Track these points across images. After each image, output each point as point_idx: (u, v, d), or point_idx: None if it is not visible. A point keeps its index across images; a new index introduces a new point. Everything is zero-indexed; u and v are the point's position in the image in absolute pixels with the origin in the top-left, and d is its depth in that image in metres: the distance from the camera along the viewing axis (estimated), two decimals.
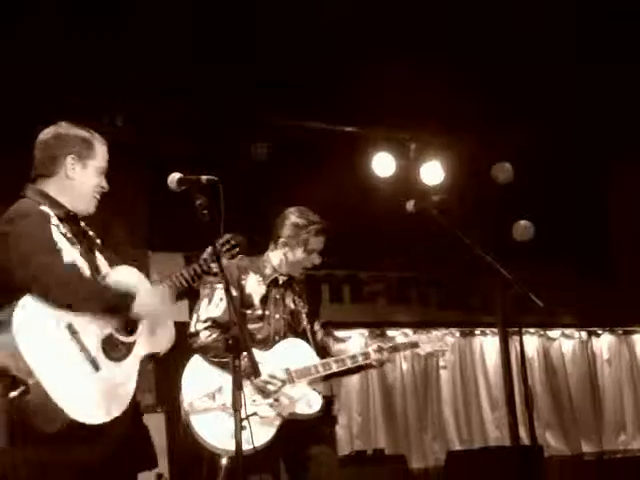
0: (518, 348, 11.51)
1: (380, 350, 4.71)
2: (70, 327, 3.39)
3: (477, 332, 11.78)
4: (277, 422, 4.37)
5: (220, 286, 4.39)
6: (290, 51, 6.97)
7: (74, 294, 3.41)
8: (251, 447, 3.60)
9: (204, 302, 4.52)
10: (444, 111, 7.84)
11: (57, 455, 3.36)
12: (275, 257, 4.75)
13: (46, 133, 3.73)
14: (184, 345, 4.36)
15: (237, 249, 4.07)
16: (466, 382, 11.63)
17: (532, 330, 11.69)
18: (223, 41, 6.75)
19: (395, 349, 4.78)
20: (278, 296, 4.72)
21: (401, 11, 6.65)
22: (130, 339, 3.57)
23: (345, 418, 10.44)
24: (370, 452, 9.12)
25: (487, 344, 11.78)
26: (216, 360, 4.39)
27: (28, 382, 3.26)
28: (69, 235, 3.60)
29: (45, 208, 3.59)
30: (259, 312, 4.59)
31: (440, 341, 4.94)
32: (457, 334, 11.61)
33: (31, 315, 3.32)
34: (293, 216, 4.72)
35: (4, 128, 7.20)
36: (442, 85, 7.41)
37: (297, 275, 4.77)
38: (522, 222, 9.87)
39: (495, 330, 11.42)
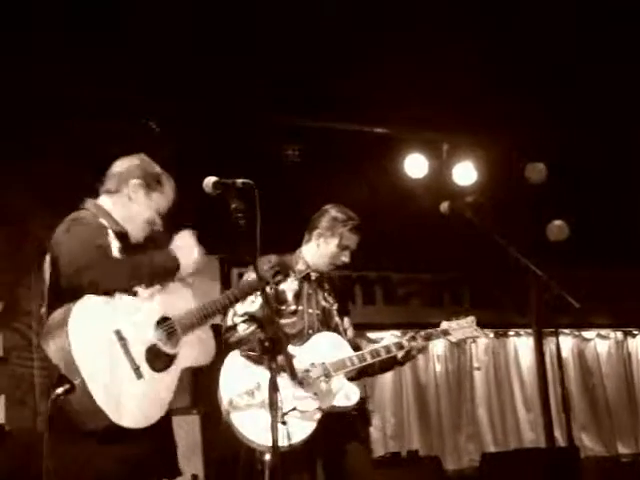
0: (553, 349, 11.53)
1: (413, 339, 4.73)
2: (118, 333, 3.50)
3: (511, 333, 11.74)
4: (317, 416, 4.40)
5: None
6: (321, 53, 6.98)
7: (121, 270, 3.56)
8: (292, 442, 3.62)
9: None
10: (476, 111, 7.81)
11: (95, 452, 3.45)
12: (308, 251, 4.84)
13: (124, 158, 3.93)
14: (219, 346, 4.39)
15: (281, 276, 4.14)
16: (500, 383, 11.59)
17: (567, 331, 11.63)
18: (254, 45, 6.77)
19: (428, 337, 4.80)
20: (311, 291, 4.78)
21: (432, 10, 6.63)
22: (173, 351, 3.67)
23: (379, 419, 10.44)
24: (404, 454, 9.12)
25: (521, 345, 11.73)
26: (253, 355, 4.44)
27: (74, 381, 3.35)
28: (123, 252, 3.73)
29: (103, 221, 3.76)
30: (292, 307, 4.65)
31: (470, 327, 4.95)
32: (491, 335, 11.57)
33: (84, 317, 3.43)
34: (333, 210, 4.83)
35: (35, 131, 7.31)
36: (474, 85, 7.39)
37: (326, 270, 4.82)
38: (556, 222, 9.81)
39: (529, 331, 11.35)
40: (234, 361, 4.49)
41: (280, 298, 4.62)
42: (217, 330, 4.01)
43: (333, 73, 7.21)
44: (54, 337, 3.43)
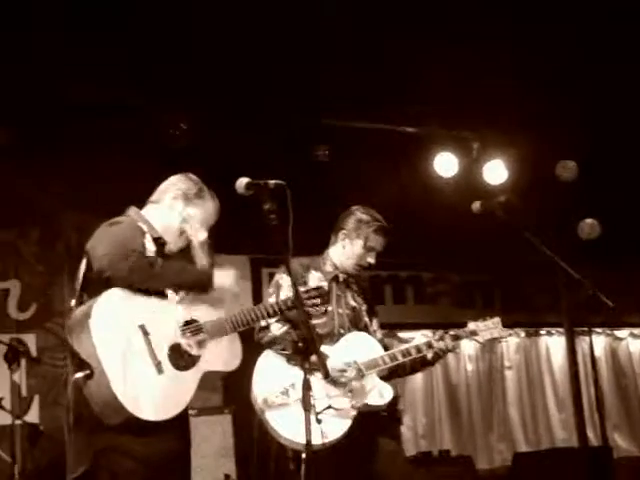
0: (585, 348, 11.46)
1: (441, 339, 4.75)
2: (143, 328, 3.59)
3: (542, 332, 11.68)
4: (352, 414, 4.42)
5: (285, 284, 4.56)
6: (352, 52, 6.97)
7: (147, 270, 3.63)
8: (327, 440, 3.64)
9: (272, 299, 4.59)
10: (507, 110, 7.78)
11: (117, 443, 3.54)
12: (335, 252, 4.87)
13: (173, 176, 4.09)
14: (250, 346, 4.41)
15: (319, 300, 4.20)
16: (532, 382, 11.54)
17: (599, 330, 11.55)
18: (285, 44, 6.78)
19: (457, 337, 4.81)
20: (339, 292, 4.81)
21: (463, 8, 6.60)
22: (197, 352, 3.73)
23: (410, 419, 10.43)
24: (436, 453, 9.11)
25: (553, 344, 11.68)
26: (286, 354, 4.46)
27: (93, 367, 3.44)
28: (159, 256, 3.85)
29: (143, 226, 3.89)
30: (323, 308, 4.64)
31: (496, 327, 4.94)
32: (522, 334, 11.53)
33: (109, 308, 3.54)
34: (358, 212, 4.85)
35: (66, 133, 7.37)
36: (505, 83, 7.35)
37: (352, 271, 4.83)
38: (588, 220, 9.75)
39: (561, 330, 11.29)
40: (268, 360, 4.52)
41: None
42: (244, 335, 4.04)
43: (363, 72, 7.21)
44: (78, 328, 3.54)
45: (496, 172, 8.86)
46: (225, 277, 3.93)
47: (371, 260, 4.81)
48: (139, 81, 6.98)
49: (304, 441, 4.09)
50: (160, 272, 3.68)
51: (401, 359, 4.66)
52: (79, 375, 3.49)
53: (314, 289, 4.25)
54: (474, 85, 7.35)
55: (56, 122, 7.25)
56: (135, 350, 3.54)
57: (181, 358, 3.67)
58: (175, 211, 3.94)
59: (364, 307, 4.89)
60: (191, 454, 3.92)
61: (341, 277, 4.84)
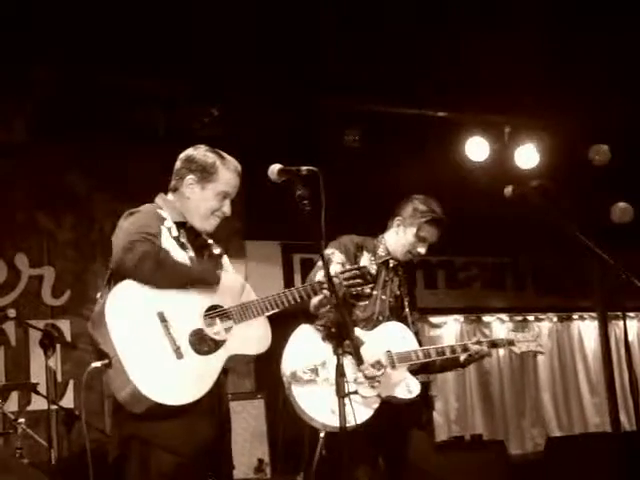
0: (618, 332, 11.35)
1: (479, 343, 4.78)
2: (161, 315, 3.57)
3: (575, 317, 11.64)
4: (376, 405, 4.41)
5: (335, 260, 4.55)
6: (381, 37, 6.95)
7: (153, 266, 3.56)
8: (346, 425, 3.63)
9: (320, 273, 4.56)
10: (538, 93, 7.73)
11: (144, 432, 3.54)
12: (389, 237, 4.87)
13: (184, 152, 3.99)
14: (282, 331, 4.42)
15: (360, 281, 4.14)
16: (564, 367, 11.51)
17: (632, 314, 11.49)
18: (315, 29, 6.77)
19: (494, 345, 4.86)
20: (387, 279, 4.81)
21: None
22: (220, 337, 3.69)
23: (442, 404, 10.44)
24: (468, 438, 9.10)
25: (585, 329, 11.63)
26: (323, 331, 4.46)
27: (111, 356, 3.47)
28: (182, 240, 3.83)
29: (162, 212, 3.85)
30: (367, 290, 4.64)
31: (535, 342, 4.98)
32: (554, 319, 11.49)
33: (124, 297, 3.55)
34: (417, 201, 4.85)
35: (99, 121, 7.43)
36: (536, 67, 7.31)
37: (402, 259, 4.83)
38: (621, 204, 9.67)
39: (593, 314, 11.25)
40: (303, 334, 4.50)
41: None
42: (277, 320, 4.02)
43: (393, 57, 7.19)
44: (97, 319, 3.56)
45: (527, 156, 8.81)
46: (232, 281, 3.87)
47: (422, 250, 4.79)
48: (173, 68, 7.00)
49: (325, 421, 4.15)
50: (170, 262, 3.65)
51: (434, 357, 4.66)
52: (96, 364, 3.50)
53: (355, 269, 4.15)
54: (505, 69, 7.30)
55: (91, 109, 7.30)
56: (153, 337, 3.53)
57: (204, 343, 3.63)
58: (194, 197, 3.88)
59: (407, 298, 4.88)
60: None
61: (391, 263, 4.83)
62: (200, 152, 3.95)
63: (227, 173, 3.92)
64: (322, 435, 4.35)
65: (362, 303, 4.63)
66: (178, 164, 3.97)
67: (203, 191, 3.88)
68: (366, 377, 4.40)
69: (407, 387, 4.55)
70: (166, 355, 3.54)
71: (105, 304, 3.51)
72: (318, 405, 4.23)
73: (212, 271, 3.78)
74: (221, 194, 3.90)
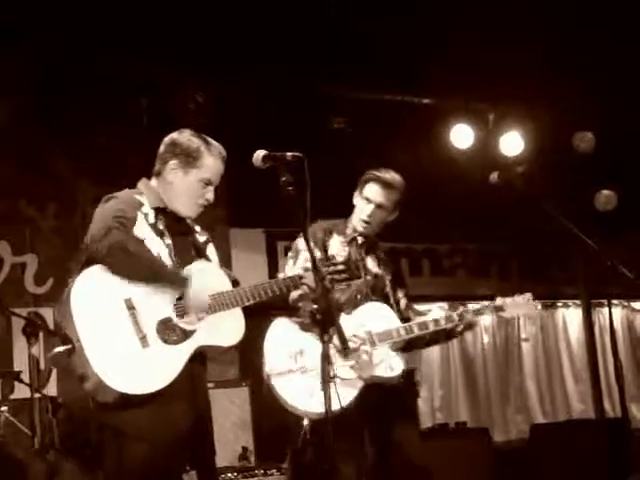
0: (602, 320, 11.39)
1: (463, 314, 4.68)
2: (128, 302, 3.54)
3: (559, 304, 11.66)
4: (359, 384, 4.41)
5: (304, 248, 4.46)
6: (366, 23, 6.93)
7: (123, 258, 3.53)
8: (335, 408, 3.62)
9: (290, 263, 4.59)
10: (523, 80, 7.72)
11: (116, 422, 3.53)
12: (353, 214, 4.83)
13: (168, 136, 3.96)
14: (267, 318, 4.42)
15: (342, 275, 4.11)
16: (549, 354, 11.54)
17: (616, 302, 11.52)
18: (302, 16, 6.74)
19: (479, 312, 4.72)
20: (358, 257, 4.76)
21: None
22: (190, 327, 3.66)
23: (426, 391, 10.45)
24: (452, 425, 9.12)
25: (570, 316, 11.66)
26: (299, 321, 4.46)
27: (74, 342, 3.45)
28: (160, 227, 3.78)
29: (140, 198, 3.81)
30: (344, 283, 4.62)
31: (526, 305, 4.84)
32: (539, 306, 11.47)
33: (90, 283, 3.51)
34: (369, 171, 4.84)
35: (84, 107, 7.38)
36: (520, 53, 7.29)
37: (360, 229, 4.78)
38: (604, 192, 9.69)
39: (578, 302, 11.28)
40: (279, 326, 4.50)
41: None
42: (260, 310, 4.00)
43: (378, 43, 7.16)
44: (63, 304, 3.51)
45: (512, 143, 8.81)
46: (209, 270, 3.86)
47: (368, 212, 4.73)
48: (157, 55, 6.96)
49: (308, 408, 4.15)
50: (140, 252, 3.60)
51: (417, 332, 4.60)
52: (59, 349, 3.50)
53: (340, 263, 4.16)
54: (490, 56, 7.29)
55: (74, 94, 7.25)
56: (118, 324, 3.49)
57: (172, 332, 3.60)
58: (177, 182, 3.85)
59: (389, 277, 4.85)
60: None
61: (359, 240, 4.81)
62: (185, 136, 3.91)
63: (211, 158, 3.88)
64: (306, 422, 4.34)
65: (340, 287, 4.54)
66: (162, 148, 3.93)
67: (186, 176, 3.85)
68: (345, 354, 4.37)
69: (389, 365, 4.52)
70: (131, 343, 3.50)
71: (71, 288, 3.47)
72: (300, 394, 4.24)
73: (182, 279, 3.68)
74: (204, 180, 3.87)
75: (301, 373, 4.30)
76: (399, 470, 4.55)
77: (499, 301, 4.78)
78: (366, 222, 4.75)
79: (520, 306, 4.82)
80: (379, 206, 4.74)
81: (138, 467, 3.47)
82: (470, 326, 4.76)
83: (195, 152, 3.86)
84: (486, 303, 4.79)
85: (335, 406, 3.54)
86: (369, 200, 4.74)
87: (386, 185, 4.74)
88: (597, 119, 8.85)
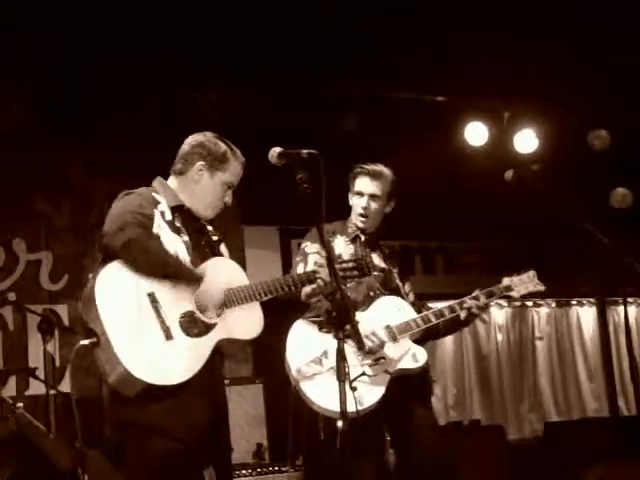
0: (616, 318, 11.34)
1: (476, 297, 4.73)
2: (151, 296, 3.59)
3: (573, 302, 11.64)
4: (386, 379, 4.42)
5: (311, 251, 4.61)
6: (381, 22, 6.92)
7: (138, 253, 3.58)
8: (362, 407, 3.63)
9: (299, 267, 4.60)
10: (538, 78, 7.70)
11: (138, 417, 3.56)
12: (352, 213, 4.90)
13: (191, 137, 4.03)
14: (280, 316, 4.42)
15: (353, 272, 4.13)
16: (562, 353, 11.52)
17: (630, 299, 11.49)
18: (312, 14, 6.74)
19: (490, 294, 4.78)
20: (364, 253, 4.78)
21: None
22: (211, 320, 3.71)
23: (440, 389, 10.44)
24: (466, 423, 9.12)
25: (584, 314, 11.63)
26: (318, 322, 4.48)
27: (99, 335, 3.48)
28: (177, 224, 3.84)
29: (158, 196, 3.86)
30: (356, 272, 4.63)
31: (532, 281, 4.90)
32: (553, 305, 11.49)
33: (113, 277, 3.58)
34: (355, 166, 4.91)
35: (99, 106, 7.40)
36: (535, 52, 7.28)
37: (359, 225, 4.83)
38: (620, 189, 9.66)
39: (592, 300, 11.26)
40: (299, 330, 4.53)
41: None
42: (274, 305, 4.02)
43: (393, 41, 7.16)
44: (86, 299, 3.60)
45: (527, 141, 8.78)
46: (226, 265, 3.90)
47: (362, 204, 4.81)
48: (170, 54, 6.98)
49: (337, 408, 4.15)
50: (155, 248, 3.64)
51: (434, 321, 4.65)
52: (84, 342, 3.53)
53: (353, 260, 4.20)
54: (505, 54, 7.28)
55: (88, 93, 7.28)
56: (142, 317, 3.54)
57: (194, 325, 3.64)
58: (201, 183, 3.92)
59: (396, 270, 4.88)
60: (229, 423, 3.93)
61: (362, 237, 4.86)
62: (210, 140, 3.98)
63: (236, 164, 3.98)
64: (340, 424, 4.33)
65: (350, 285, 4.56)
66: (187, 148, 3.98)
67: (211, 179, 3.93)
68: (369, 351, 4.38)
69: (413, 357, 4.55)
70: (155, 335, 3.55)
71: (95, 283, 3.53)
72: (328, 395, 4.19)
73: (196, 276, 3.73)
74: (227, 184, 3.95)
75: (329, 375, 4.24)
76: (419, 465, 4.54)
77: (506, 281, 4.87)
78: (363, 215, 4.83)
79: (526, 283, 4.89)
80: (372, 196, 4.82)
81: (160, 462, 3.50)
82: (482, 309, 4.76)
83: (222, 156, 3.94)
84: (495, 286, 4.86)
85: (365, 404, 3.55)
86: (361, 193, 4.83)
87: (374, 175, 4.82)
88: (612, 117, 8.82)
